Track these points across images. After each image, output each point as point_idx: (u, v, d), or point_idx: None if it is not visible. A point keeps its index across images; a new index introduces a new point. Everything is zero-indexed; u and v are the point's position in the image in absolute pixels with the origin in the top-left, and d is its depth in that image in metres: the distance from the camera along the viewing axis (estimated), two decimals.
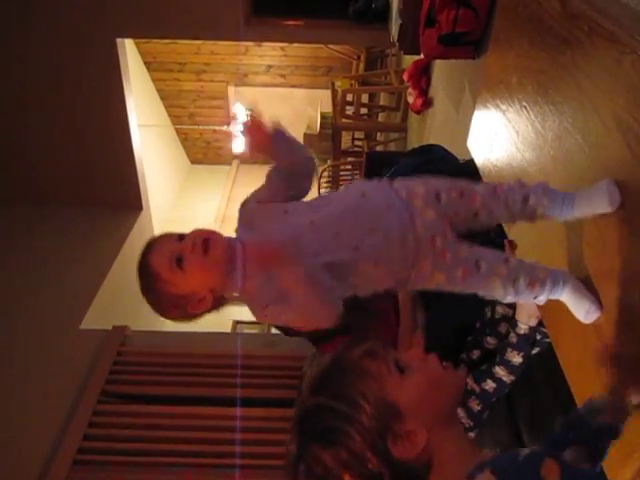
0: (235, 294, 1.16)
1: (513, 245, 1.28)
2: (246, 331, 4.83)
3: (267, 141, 1.19)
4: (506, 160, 1.46)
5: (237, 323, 5.04)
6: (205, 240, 1.09)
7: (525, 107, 1.33)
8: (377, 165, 2.39)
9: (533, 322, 1.32)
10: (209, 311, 1.16)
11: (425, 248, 1.06)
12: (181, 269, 1.07)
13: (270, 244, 1.08)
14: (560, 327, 1.13)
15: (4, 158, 4.89)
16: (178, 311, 1.14)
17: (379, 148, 5.76)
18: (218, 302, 1.16)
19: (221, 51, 6.69)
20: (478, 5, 2.70)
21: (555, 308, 1.11)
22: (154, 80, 6.93)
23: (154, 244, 1.13)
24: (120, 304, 4.12)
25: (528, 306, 1.28)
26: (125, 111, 4.62)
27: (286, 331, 1.63)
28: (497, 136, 1.53)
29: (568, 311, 1.05)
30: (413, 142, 3.97)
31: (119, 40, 4.38)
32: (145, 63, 6.69)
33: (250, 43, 6.51)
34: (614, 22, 0.98)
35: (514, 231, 1.33)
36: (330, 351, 1.64)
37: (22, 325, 3.53)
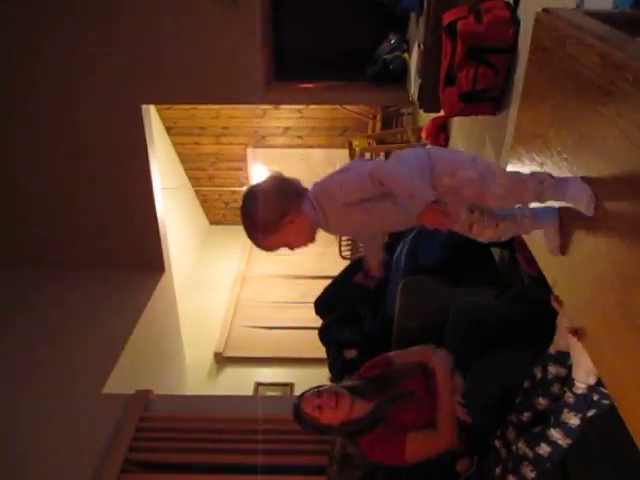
0: None
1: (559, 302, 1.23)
2: (269, 393, 4.70)
3: None
4: None
5: (259, 385, 4.92)
6: None
7: (566, 159, 1.31)
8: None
9: (592, 380, 1.24)
10: None
11: None
12: None
13: None
14: (624, 385, 1.06)
15: (25, 220, 4.98)
16: None
17: None
18: None
19: (239, 115, 6.86)
20: (497, 63, 2.76)
21: (615, 366, 1.05)
22: (174, 144, 7.09)
23: None
24: (143, 367, 4.06)
25: (586, 363, 1.21)
26: (149, 175, 4.71)
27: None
28: None
29: (632, 369, 0.98)
30: None
31: (144, 106, 4.52)
32: (166, 128, 6.88)
33: (268, 106, 6.68)
34: None
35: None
36: (369, 444, 1.69)
37: (41, 390, 3.46)
